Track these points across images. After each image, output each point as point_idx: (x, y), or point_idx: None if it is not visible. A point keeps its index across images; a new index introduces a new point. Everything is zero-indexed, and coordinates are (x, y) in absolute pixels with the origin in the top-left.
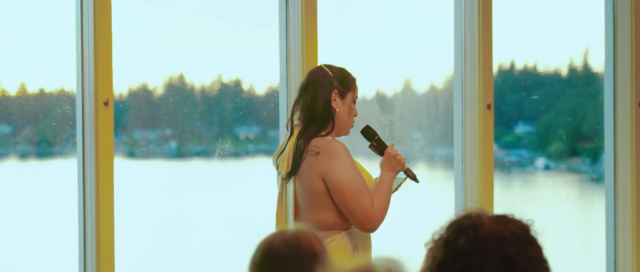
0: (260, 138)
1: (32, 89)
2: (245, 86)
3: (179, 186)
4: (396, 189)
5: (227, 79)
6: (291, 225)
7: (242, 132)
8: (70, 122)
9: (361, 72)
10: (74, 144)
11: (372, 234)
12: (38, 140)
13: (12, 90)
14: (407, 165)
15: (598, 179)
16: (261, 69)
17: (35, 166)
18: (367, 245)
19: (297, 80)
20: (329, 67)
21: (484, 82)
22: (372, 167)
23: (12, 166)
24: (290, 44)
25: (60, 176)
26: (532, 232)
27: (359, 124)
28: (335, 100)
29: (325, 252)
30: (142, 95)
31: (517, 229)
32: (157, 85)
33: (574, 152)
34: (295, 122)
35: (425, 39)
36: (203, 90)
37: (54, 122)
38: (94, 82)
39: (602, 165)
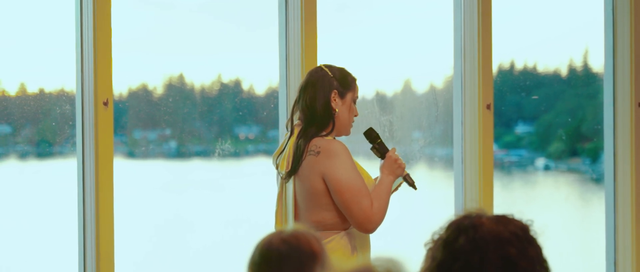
0: (260, 138)
1: (32, 89)
2: (245, 86)
3: (178, 186)
4: (392, 192)
5: (226, 79)
6: (290, 225)
7: (242, 132)
8: (70, 122)
9: (361, 72)
10: (74, 144)
11: (371, 235)
12: (38, 140)
13: (12, 90)
14: (406, 170)
15: (598, 179)
16: (261, 69)
17: (35, 166)
18: (366, 245)
19: (297, 80)
20: (329, 67)
21: (484, 82)
22: (372, 167)
23: (12, 166)
24: (289, 44)
25: (60, 176)
26: (532, 233)
27: (359, 124)
28: (334, 100)
29: (324, 252)
30: (141, 95)
31: (517, 229)
32: (157, 85)
33: (573, 152)
34: (295, 122)
35: (425, 39)
36: (203, 90)
37: (54, 122)
38: (94, 82)
39: (602, 165)
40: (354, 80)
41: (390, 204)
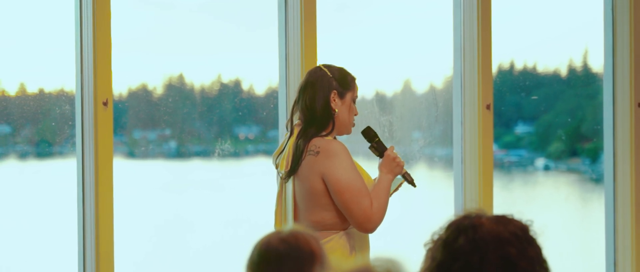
0: (259, 138)
1: (32, 89)
2: (245, 86)
3: (178, 186)
4: (393, 192)
5: (226, 79)
6: (289, 225)
7: (242, 132)
8: (70, 122)
9: (361, 72)
10: (74, 144)
11: (371, 235)
12: (37, 140)
13: (12, 91)
14: (405, 169)
15: (597, 179)
16: (261, 69)
17: (34, 166)
18: (365, 245)
19: (297, 80)
20: (328, 67)
21: (484, 82)
22: (371, 167)
23: (12, 166)
24: (289, 44)
25: (59, 176)
26: (532, 233)
27: (359, 124)
28: (334, 100)
29: (323, 252)
30: (141, 96)
31: (517, 229)
32: (157, 85)
33: (573, 153)
34: (295, 122)
35: (424, 40)
36: (202, 90)
37: (54, 122)
38: (94, 83)
39: (602, 165)
40: (353, 80)
41: (390, 204)
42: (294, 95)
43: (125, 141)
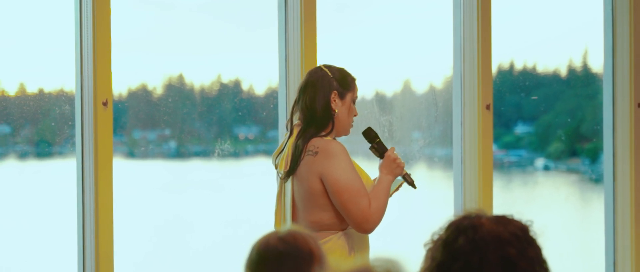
0: (259, 138)
1: (32, 89)
2: (245, 86)
3: (178, 186)
4: (393, 193)
5: (226, 79)
6: (288, 225)
7: (242, 132)
8: (70, 123)
9: (360, 72)
10: (73, 144)
11: (370, 235)
12: (37, 140)
13: (12, 91)
14: (405, 169)
15: (597, 179)
16: (260, 69)
17: (34, 166)
18: (364, 246)
19: (297, 80)
20: (328, 67)
21: (483, 82)
22: (371, 168)
23: (12, 166)
24: (289, 44)
25: (59, 176)
26: (532, 233)
27: (359, 124)
28: (334, 100)
29: (322, 252)
30: (141, 96)
31: (517, 229)
32: (157, 85)
33: (573, 153)
34: (295, 122)
35: (424, 40)
36: (202, 90)
37: (53, 123)
38: (93, 83)
39: (601, 165)
40: (353, 80)
41: (390, 204)
42: (293, 95)
43: (125, 141)
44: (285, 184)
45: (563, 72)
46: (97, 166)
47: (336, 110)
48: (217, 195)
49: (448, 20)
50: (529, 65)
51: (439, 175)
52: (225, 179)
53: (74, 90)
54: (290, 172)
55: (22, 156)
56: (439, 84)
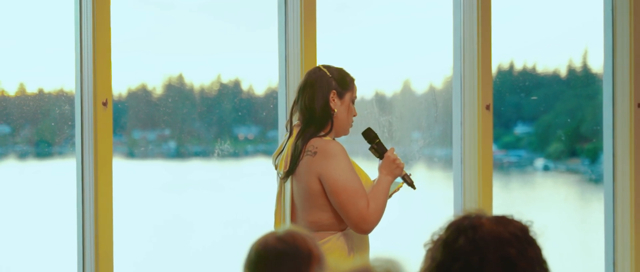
0: (259, 138)
1: (31, 89)
2: (245, 86)
3: (178, 186)
4: (392, 194)
5: (226, 79)
6: (287, 225)
7: (241, 132)
8: (69, 123)
9: (360, 72)
10: (73, 144)
11: (370, 235)
12: (37, 140)
13: (11, 91)
14: (405, 170)
15: (597, 179)
16: (260, 69)
17: (34, 166)
18: (364, 247)
19: (296, 80)
20: (327, 67)
21: (483, 82)
22: (371, 168)
23: (11, 166)
24: (289, 44)
25: (59, 176)
26: (532, 233)
27: (358, 124)
28: (333, 100)
29: (320, 252)
30: (141, 96)
31: (517, 230)
32: (156, 85)
33: (573, 153)
34: (295, 122)
35: (424, 40)
36: (202, 90)
37: (53, 123)
38: (93, 83)
39: (601, 166)
40: (352, 80)
41: (389, 205)
42: (293, 95)
43: (124, 141)
44: (285, 184)
45: (563, 72)
46: (96, 166)
47: (335, 110)
48: (216, 195)
49: (448, 20)
50: (529, 65)
51: (439, 175)
52: (225, 179)
53: (73, 91)
54: (290, 172)
55: (22, 156)
56: (438, 84)
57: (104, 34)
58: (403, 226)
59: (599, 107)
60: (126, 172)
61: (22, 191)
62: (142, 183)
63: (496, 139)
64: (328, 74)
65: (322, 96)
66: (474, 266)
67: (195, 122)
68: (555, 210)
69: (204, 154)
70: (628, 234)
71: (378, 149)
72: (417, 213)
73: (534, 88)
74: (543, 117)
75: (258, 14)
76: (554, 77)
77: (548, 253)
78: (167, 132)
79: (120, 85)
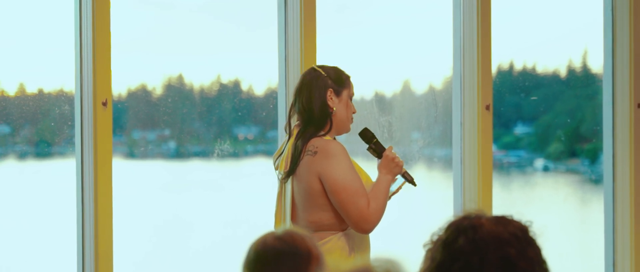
0: (259, 138)
1: (31, 89)
2: (244, 87)
3: (177, 186)
4: (394, 193)
5: (226, 79)
6: (287, 225)
7: (241, 132)
8: (69, 123)
9: (360, 72)
10: (73, 144)
11: (370, 235)
12: (37, 140)
13: (11, 91)
14: (404, 168)
15: (597, 180)
16: (260, 69)
17: (34, 166)
18: (365, 246)
19: (296, 80)
20: (322, 67)
21: (483, 83)
22: (371, 168)
23: (11, 166)
24: (289, 44)
25: (58, 176)
26: (531, 233)
27: (358, 124)
28: (331, 99)
29: (320, 252)
30: (141, 96)
31: (516, 230)
32: (156, 85)
33: (572, 153)
34: (294, 124)
35: (424, 40)
36: (202, 90)
37: (53, 123)
38: (93, 83)
39: (601, 166)
40: (348, 77)
41: (389, 205)
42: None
43: (124, 141)
44: (285, 184)
45: (563, 72)
46: (96, 166)
47: (334, 108)
48: (216, 195)
49: (448, 21)
50: (529, 65)
51: (439, 175)
52: (225, 179)
53: (73, 91)
54: (290, 172)
55: (22, 156)
56: (438, 84)
57: (103, 34)
58: (403, 226)
59: (599, 108)
60: (126, 172)
61: (22, 191)
62: (141, 183)
63: (496, 139)
64: (323, 73)
65: (319, 96)
66: (474, 266)
67: (195, 122)
68: (555, 210)
69: (204, 154)
70: (628, 235)
71: (376, 148)
72: (417, 213)
73: (534, 88)
74: (543, 118)
75: (258, 14)
76: (553, 78)
77: (548, 253)
78: (167, 132)
79: (120, 85)
